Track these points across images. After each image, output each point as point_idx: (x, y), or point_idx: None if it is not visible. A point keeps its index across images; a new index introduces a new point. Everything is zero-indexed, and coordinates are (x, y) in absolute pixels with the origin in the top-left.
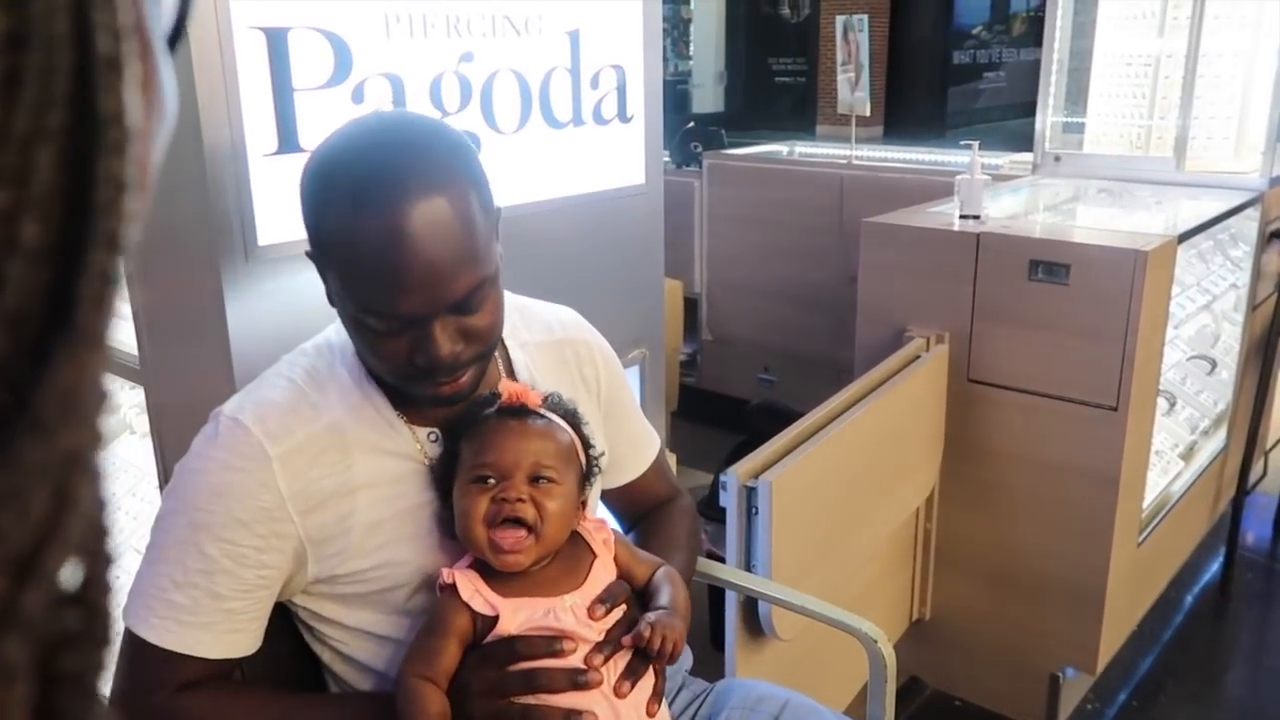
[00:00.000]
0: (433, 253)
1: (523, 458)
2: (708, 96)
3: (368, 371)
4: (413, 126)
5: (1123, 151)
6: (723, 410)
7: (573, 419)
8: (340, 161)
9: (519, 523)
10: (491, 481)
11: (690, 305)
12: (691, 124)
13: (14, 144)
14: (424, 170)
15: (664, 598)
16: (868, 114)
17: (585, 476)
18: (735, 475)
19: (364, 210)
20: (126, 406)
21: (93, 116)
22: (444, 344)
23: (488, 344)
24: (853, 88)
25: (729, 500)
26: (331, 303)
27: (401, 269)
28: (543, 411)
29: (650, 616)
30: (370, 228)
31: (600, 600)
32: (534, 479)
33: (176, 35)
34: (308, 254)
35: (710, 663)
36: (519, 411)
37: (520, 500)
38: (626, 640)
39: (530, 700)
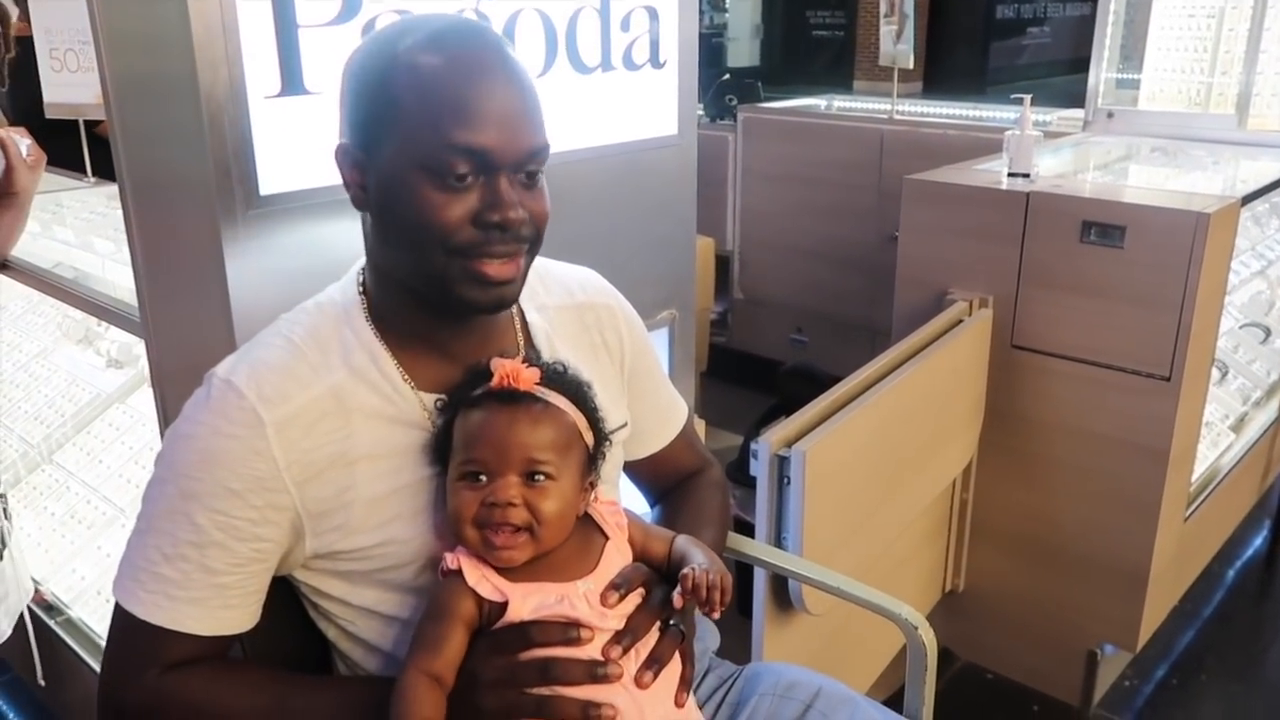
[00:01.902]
0: (516, 91)
1: (514, 452)
2: (743, 50)
3: (375, 329)
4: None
5: (1181, 108)
6: (753, 371)
7: (577, 394)
8: (410, 24)
9: (512, 526)
10: (482, 479)
11: (722, 263)
12: (727, 76)
13: None
14: (497, 37)
15: (699, 558)
16: (910, 66)
17: (592, 458)
18: (767, 444)
19: (447, 42)
20: (144, 359)
21: None
22: (512, 203)
23: (538, 233)
24: (895, 39)
25: (760, 469)
26: (362, 205)
27: (491, 97)
28: (538, 393)
29: (694, 568)
30: (461, 56)
31: (614, 586)
32: (528, 476)
33: None
34: (339, 151)
35: (737, 633)
36: (511, 396)
37: (511, 504)
38: (645, 622)
39: (545, 692)
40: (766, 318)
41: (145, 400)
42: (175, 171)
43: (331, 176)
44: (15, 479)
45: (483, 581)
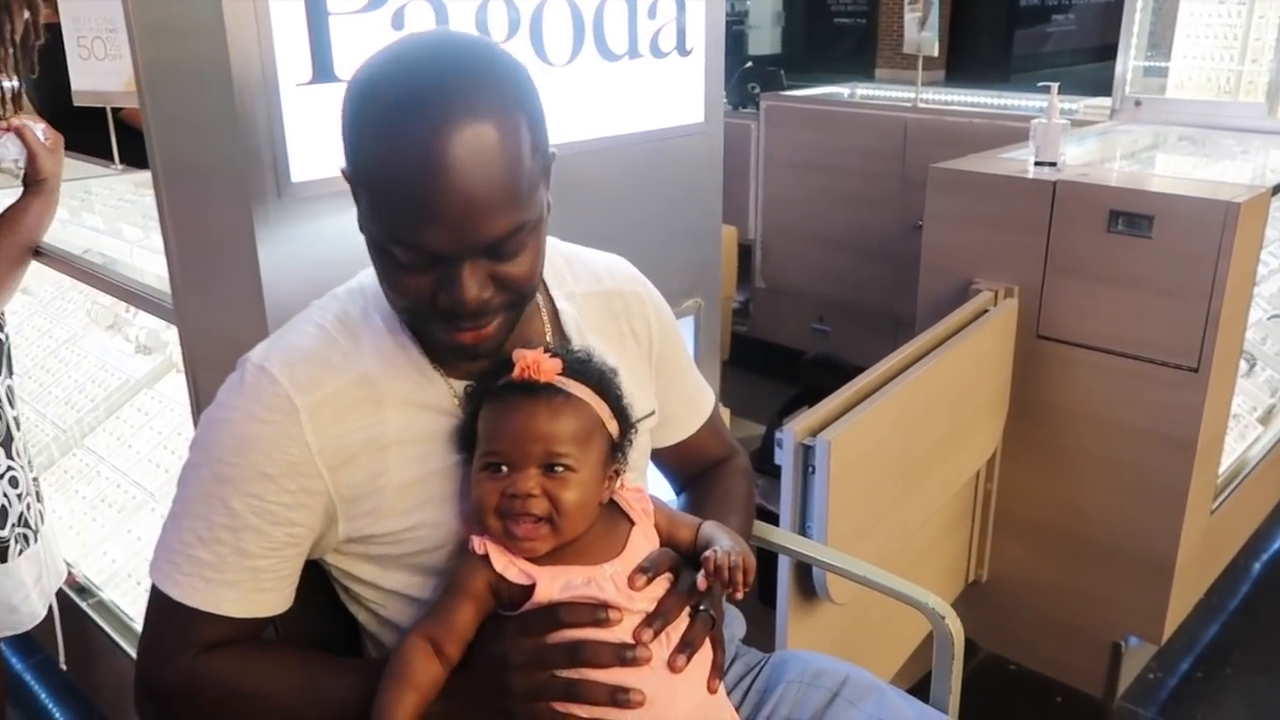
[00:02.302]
0: (470, 185)
1: (533, 444)
2: (764, 38)
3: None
4: (469, 47)
5: (1210, 96)
6: (775, 360)
7: (600, 383)
8: (385, 75)
9: (533, 516)
10: (503, 470)
11: (744, 252)
12: (749, 64)
13: None
14: (473, 94)
15: (724, 543)
16: (935, 54)
17: (616, 447)
18: (792, 433)
19: (401, 128)
20: (173, 345)
21: None
22: (471, 287)
23: (521, 295)
24: (920, 27)
25: (785, 458)
26: (361, 228)
27: (434, 198)
28: (560, 384)
29: (717, 551)
30: (406, 148)
31: (641, 569)
32: (548, 466)
33: None
34: (343, 171)
35: (760, 623)
36: (532, 387)
37: (531, 495)
38: (675, 606)
39: (574, 675)
40: (788, 307)
41: (173, 386)
42: (207, 158)
43: None
44: (48, 462)
45: (510, 566)
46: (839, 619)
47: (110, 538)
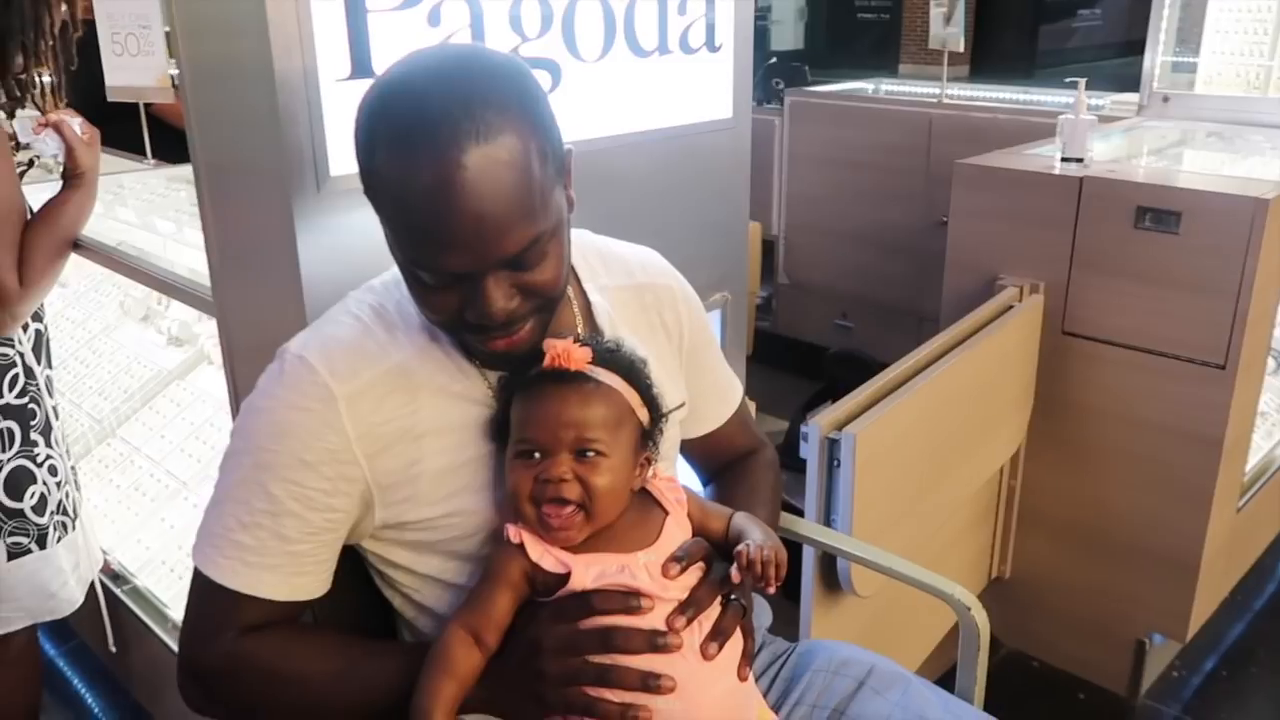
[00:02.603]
0: (483, 207)
1: (564, 431)
2: (787, 34)
3: None
4: (473, 65)
5: (1239, 92)
6: (797, 356)
7: (630, 372)
8: (392, 101)
9: (565, 501)
10: (536, 456)
11: (767, 248)
12: (774, 60)
13: None
14: (478, 115)
15: (755, 535)
16: (961, 49)
17: (646, 434)
18: (818, 426)
19: (411, 156)
20: (204, 337)
21: None
22: (496, 300)
23: (547, 299)
24: (946, 22)
25: (810, 452)
26: (387, 243)
27: (448, 224)
28: (590, 372)
29: (750, 545)
30: (416, 176)
31: (674, 558)
32: (579, 452)
33: None
34: (364, 192)
35: (783, 617)
36: (562, 376)
37: (564, 480)
38: (708, 595)
39: (606, 661)
40: (811, 303)
41: (205, 377)
42: (249, 153)
43: None
44: (84, 451)
45: (545, 555)
46: (862, 612)
47: (144, 526)
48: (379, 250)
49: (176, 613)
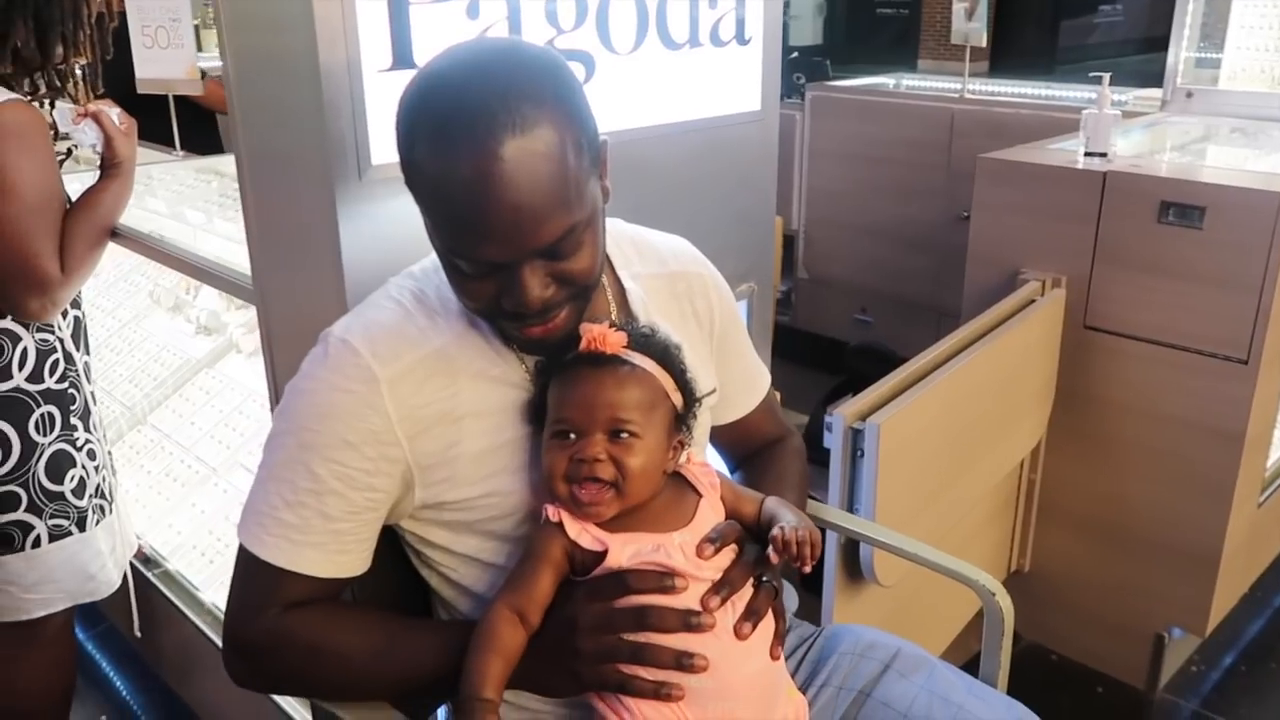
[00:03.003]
0: (520, 198)
1: (599, 411)
2: (805, 28)
3: None
4: (510, 58)
5: (1263, 88)
6: (817, 350)
7: (664, 356)
8: (431, 94)
9: (599, 480)
10: (571, 437)
11: (787, 242)
12: (795, 54)
13: None
14: (515, 108)
15: (789, 518)
16: (984, 44)
17: (680, 417)
18: (842, 416)
19: (450, 148)
20: (233, 326)
21: None
22: (533, 288)
23: (582, 287)
24: (968, 17)
25: (834, 442)
26: (427, 232)
27: (486, 214)
28: (625, 355)
29: (785, 528)
30: (455, 168)
31: (708, 539)
32: (614, 433)
33: None
34: (405, 181)
35: (802, 608)
36: (598, 359)
37: (598, 460)
38: (741, 576)
39: (641, 639)
40: (831, 297)
41: (233, 366)
42: (291, 143)
43: None
44: (116, 436)
45: (583, 533)
46: (884, 602)
47: (175, 510)
48: (418, 237)
49: (207, 596)
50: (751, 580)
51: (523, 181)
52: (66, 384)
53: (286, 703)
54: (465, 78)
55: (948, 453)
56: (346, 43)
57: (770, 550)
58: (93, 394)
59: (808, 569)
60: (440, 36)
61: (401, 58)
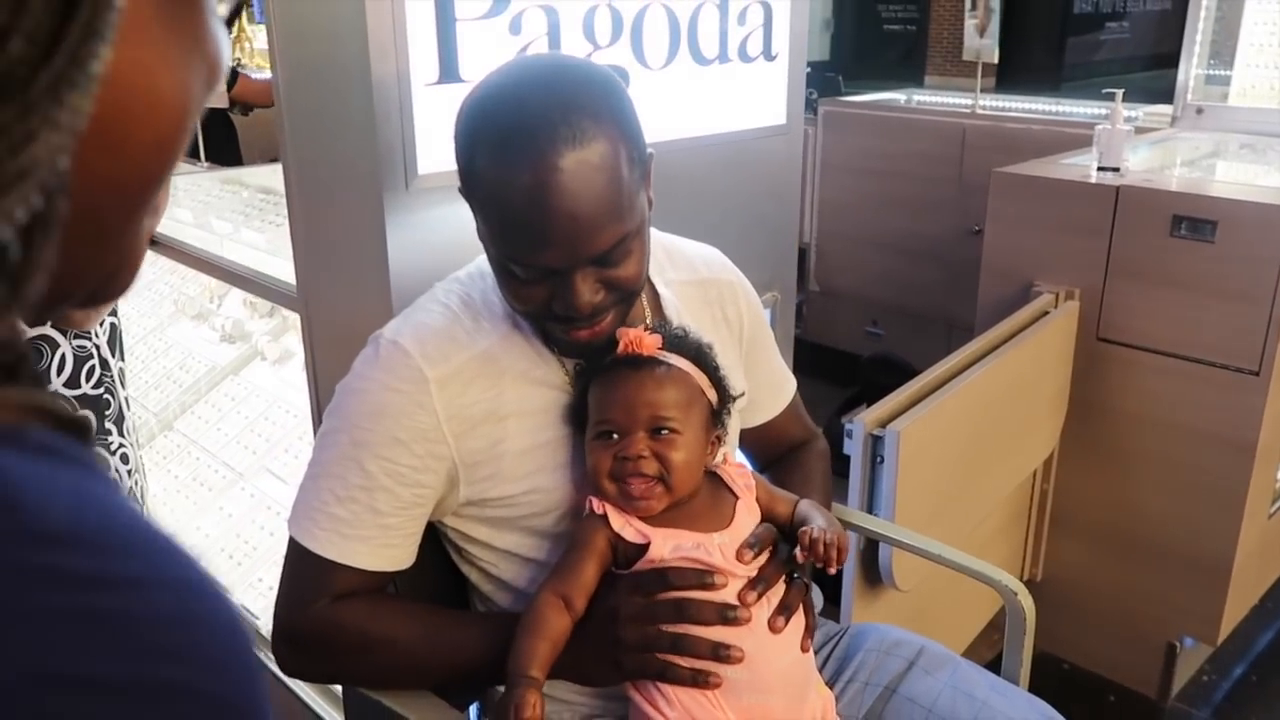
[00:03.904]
0: (577, 208)
1: (640, 411)
2: (813, 44)
3: None
4: (569, 74)
5: (1273, 105)
6: (829, 362)
7: (698, 355)
8: (493, 106)
9: (645, 475)
10: (614, 437)
11: (800, 255)
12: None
13: None
14: (575, 122)
15: (819, 521)
16: (995, 60)
17: (716, 413)
18: (862, 423)
19: (511, 159)
20: (257, 334)
21: None
22: (584, 294)
23: (629, 292)
24: (980, 33)
25: (854, 448)
26: (480, 238)
27: (544, 222)
28: (661, 356)
29: (814, 529)
30: (516, 177)
31: (748, 545)
32: (655, 430)
33: (233, 15)
34: (460, 190)
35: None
36: (636, 361)
37: (642, 457)
38: (775, 573)
39: (680, 630)
40: (842, 310)
41: (257, 373)
42: (341, 152)
43: None
44: (145, 441)
45: (626, 526)
46: (901, 607)
47: (202, 514)
48: (462, 245)
49: (236, 598)
50: (784, 578)
51: (581, 192)
52: (102, 389)
53: (316, 703)
54: (527, 91)
55: (963, 461)
56: (397, 56)
57: (798, 549)
58: (127, 400)
59: (833, 570)
60: (485, 51)
61: (448, 71)
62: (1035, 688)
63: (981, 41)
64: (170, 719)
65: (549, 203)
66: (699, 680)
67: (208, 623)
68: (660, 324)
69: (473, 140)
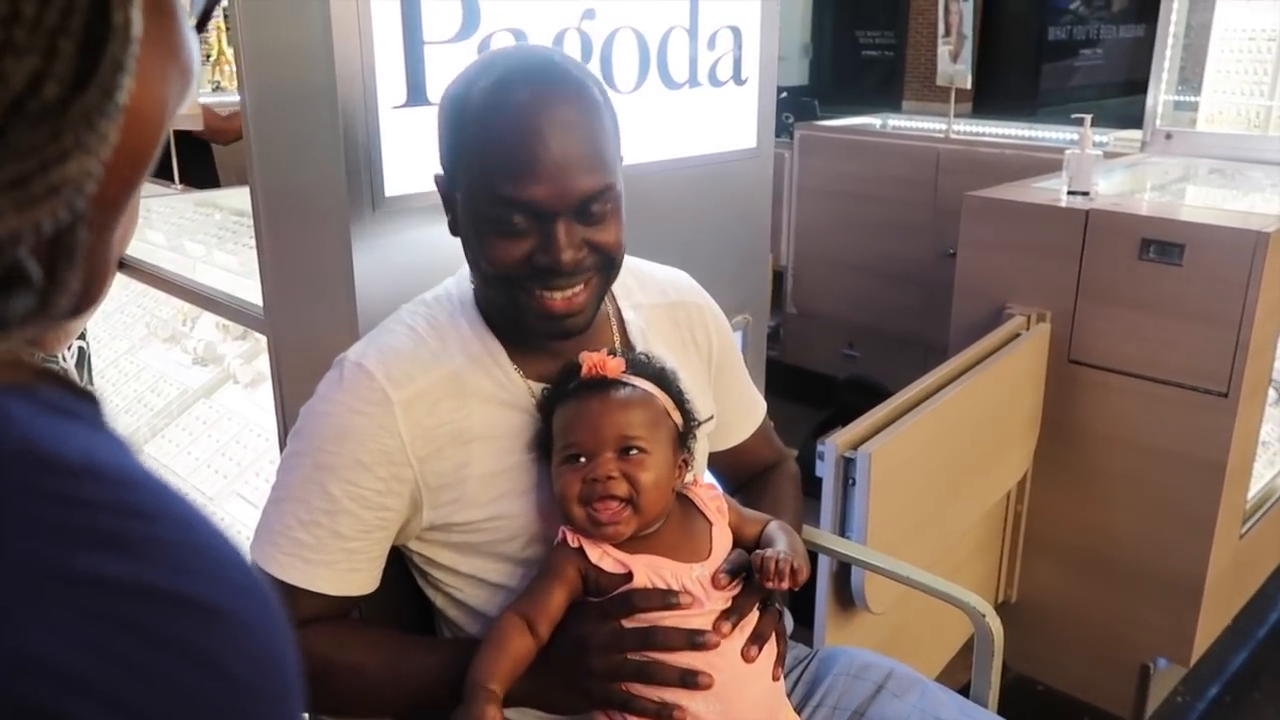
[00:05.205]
0: (568, 141)
1: (607, 431)
2: (792, 70)
3: (486, 322)
4: (562, 53)
5: (1240, 130)
6: (805, 385)
7: (661, 379)
8: (496, 55)
9: (614, 497)
10: (581, 460)
11: (776, 278)
12: (783, 94)
13: (43, 33)
14: (572, 74)
15: (780, 544)
16: (968, 86)
17: (682, 436)
18: (834, 445)
19: (511, 84)
20: (230, 357)
21: (107, 22)
22: (566, 246)
23: (608, 260)
24: (953, 59)
25: (826, 470)
26: (454, 231)
27: (537, 151)
28: (625, 379)
29: (767, 551)
30: (514, 96)
31: (725, 572)
32: (623, 451)
33: (203, 20)
34: (436, 179)
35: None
36: (600, 384)
37: (611, 478)
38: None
39: (650, 657)
40: (818, 332)
41: (230, 396)
42: (308, 175)
43: None
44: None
45: (605, 557)
46: (874, 630)
47: None
48: (430, 268)
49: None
50: (758, 605)
51: (575, 127)
52: None
53: None
54: (528, 49)
55: (937, 482)
56: (364, 78)
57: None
58: (87, 383)
59: (784, 587)
60: (452, 74)
61: (416, 94)
62: (1011, 710)
63: (955, 67)
64: (180, 628)
65: (544, 131)
66: (662, 714)
67: (212, 547)
68: (624, 349)
69: (468, 90)
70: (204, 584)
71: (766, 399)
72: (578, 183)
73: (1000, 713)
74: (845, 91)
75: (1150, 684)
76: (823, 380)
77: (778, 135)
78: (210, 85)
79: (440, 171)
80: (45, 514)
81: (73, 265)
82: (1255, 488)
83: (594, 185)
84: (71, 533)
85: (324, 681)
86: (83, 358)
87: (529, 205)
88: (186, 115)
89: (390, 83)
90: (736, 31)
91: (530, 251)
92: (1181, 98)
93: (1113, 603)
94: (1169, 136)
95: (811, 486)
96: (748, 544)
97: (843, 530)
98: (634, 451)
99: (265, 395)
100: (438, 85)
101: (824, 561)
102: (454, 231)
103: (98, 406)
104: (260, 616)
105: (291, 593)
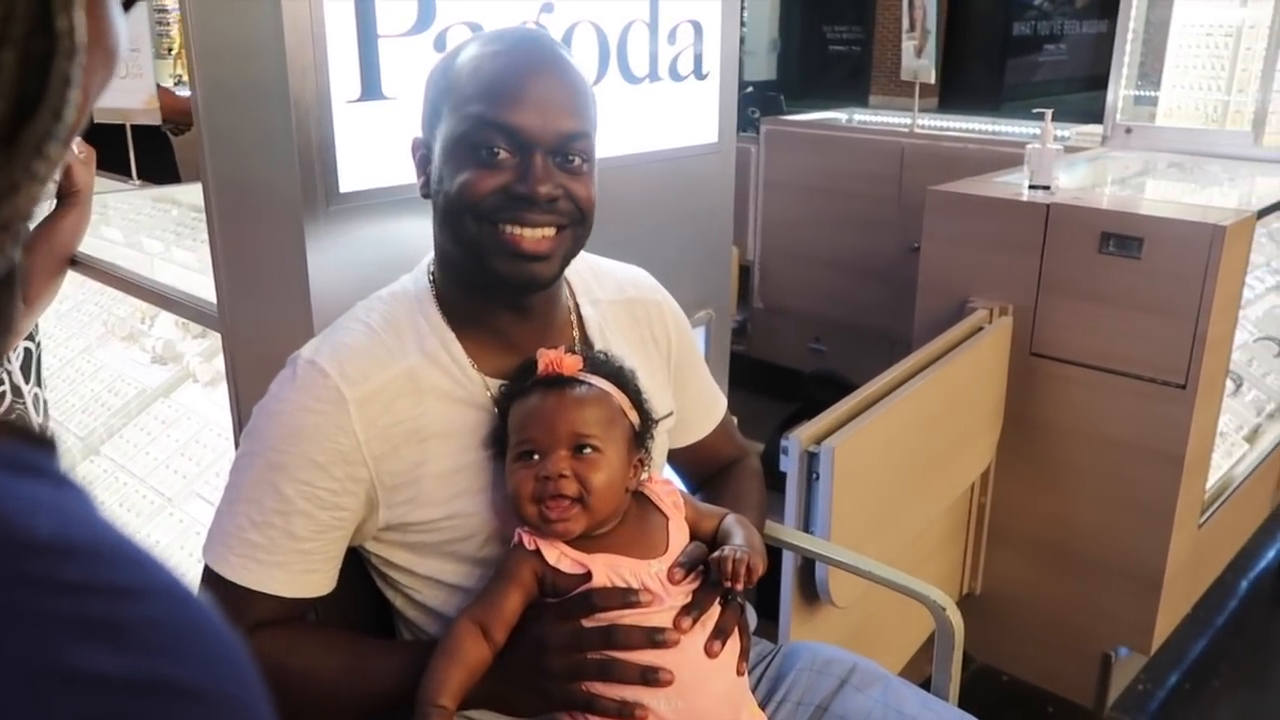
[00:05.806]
0: (555, 84)
1: (561, 429)
2: (760, 64)
3: (444, 317)
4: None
5: (1198, 125)
6: (772, 379)
7: (619, 378)
8: (478, 35)
9: (565, 496)
10: (535, 458)
11: (743, 273)
12: (749, 89)
13: None
14: (558, 45)
15: (737, 539)
16: (932, 81)
17: (638, 435)
18: (798, 440)
19: (505, 39)
20: (189, 356)
21: (50, 31)
22: (544, 179)
23: (580, 214)
24: (917, 54)
25: (790, 465)
26: (425, 192)
27: (527, 84)
28: (582, 377)
29: (725, 550)
30: (509, 48)
31: (680, 564)
32: (576, 449)
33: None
34: (414, 142)
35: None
36: (557, 381)
37: (563, 476)
38: (709, 597)
39: (609, 656)
40: (786, 326)
41: (189, 395)
42: (261, 171)
43: (405, 175)
44: (70, 465)
45: (562, 559)
46: (839, 624)
47: None
48: (385, 264)
49: None
50: (719, 599)
51: (563, 75)
52: (13, 417)
53: None
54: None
55: (900, 476)
56: (317, 73)
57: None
58: (43, 428)
59: (739, 586)
60: (408, 68)
61: (370, 88)
62: (975, 700)
63: (919, 62)
64: (172, 715)
65: (535, 67)
66: (624, 713)
67: (199, 626)
68: (583, 347)
69: (459, 48)
70: (196, 669)
71: (733, 393)
72: (561, 120)
73: (964, 703)
74: (813, 86)
75: (1112, 673)
76: (790, 375)
77: (744, 130)
78: (173, 79)
79: (416, 135)
80: (30, 603)
81: (11, 297)
82: (1214, 478)
83: (575, 127)
84: (63, 624)
85: (278, 687)
86: (29, 359)
87: (514, 131)
88: (144, 110)
89: (344, 77)
90: (697, 26)
91: (508, 182)
92: (1141, 92)
93: (1075, 593)
94: (1129, 131)
95: (776, 481)
96: (705, 538)
97: (807, 525)
98: (587, 450)
99: (225, 394)
100: (393, 80)
101: (788, 557)
102: (424, 193)
103: (55, 454)
104: (247, 697)
105: (244, 595)
